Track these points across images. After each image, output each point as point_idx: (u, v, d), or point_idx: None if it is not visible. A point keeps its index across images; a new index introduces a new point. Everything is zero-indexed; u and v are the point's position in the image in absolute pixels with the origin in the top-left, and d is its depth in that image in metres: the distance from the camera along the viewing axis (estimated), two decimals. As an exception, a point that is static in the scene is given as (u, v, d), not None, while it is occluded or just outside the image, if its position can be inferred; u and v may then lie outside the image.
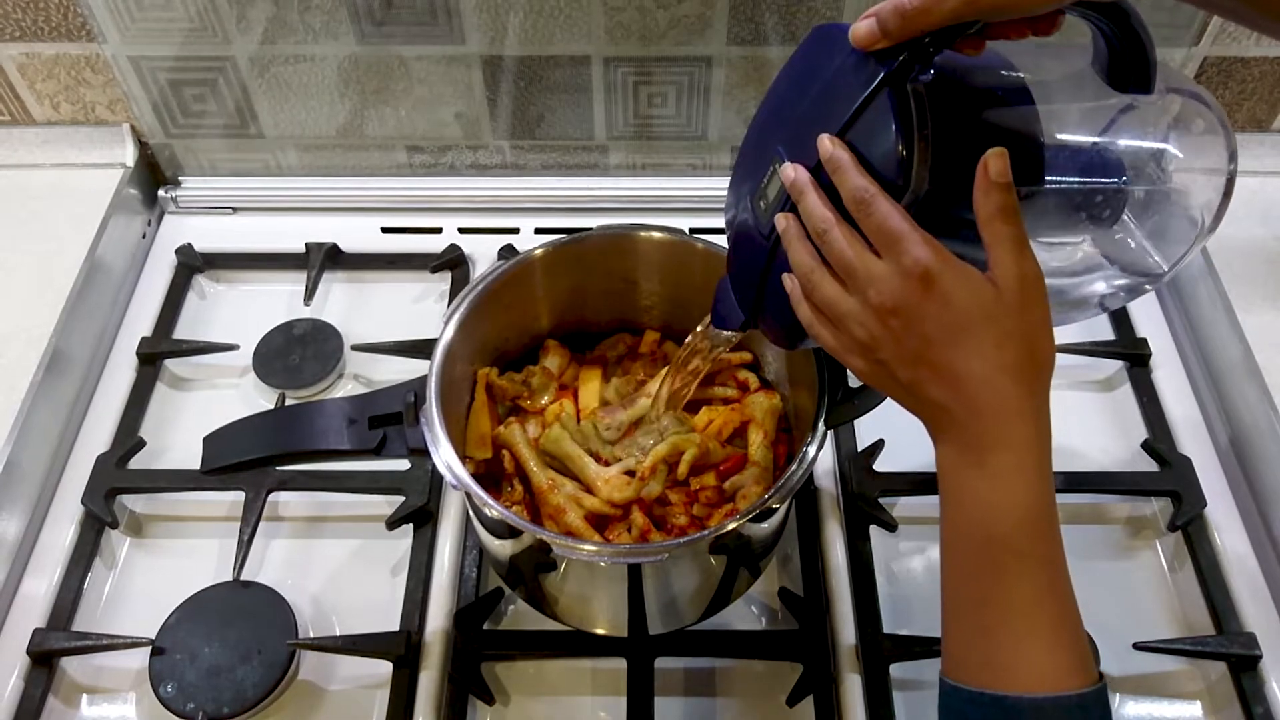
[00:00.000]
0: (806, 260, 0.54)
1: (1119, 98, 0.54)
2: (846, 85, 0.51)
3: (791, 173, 0.53)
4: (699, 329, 0.69)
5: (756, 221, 0.58)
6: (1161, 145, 0.56)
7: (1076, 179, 0.54)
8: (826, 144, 0.51)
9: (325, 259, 1.01)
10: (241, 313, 0.99)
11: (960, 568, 0.52)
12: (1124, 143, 0.55)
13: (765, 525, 0.70)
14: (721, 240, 0.76)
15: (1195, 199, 0.56)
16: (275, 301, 0.99)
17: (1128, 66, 0.52)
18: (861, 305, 0.52)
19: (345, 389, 0.93)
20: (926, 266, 0.49)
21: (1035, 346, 0.50)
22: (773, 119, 0.59)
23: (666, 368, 0.78)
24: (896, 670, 0.74)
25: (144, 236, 1.05)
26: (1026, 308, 0.49)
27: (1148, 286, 0.59)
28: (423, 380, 0.67)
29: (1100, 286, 0.59)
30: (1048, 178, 0.52)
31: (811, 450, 0.65)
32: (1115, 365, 0.94)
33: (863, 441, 0.86)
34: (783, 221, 0.55)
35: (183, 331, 0.97)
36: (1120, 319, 0.96)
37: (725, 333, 0.66)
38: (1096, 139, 0.55)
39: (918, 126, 0.49)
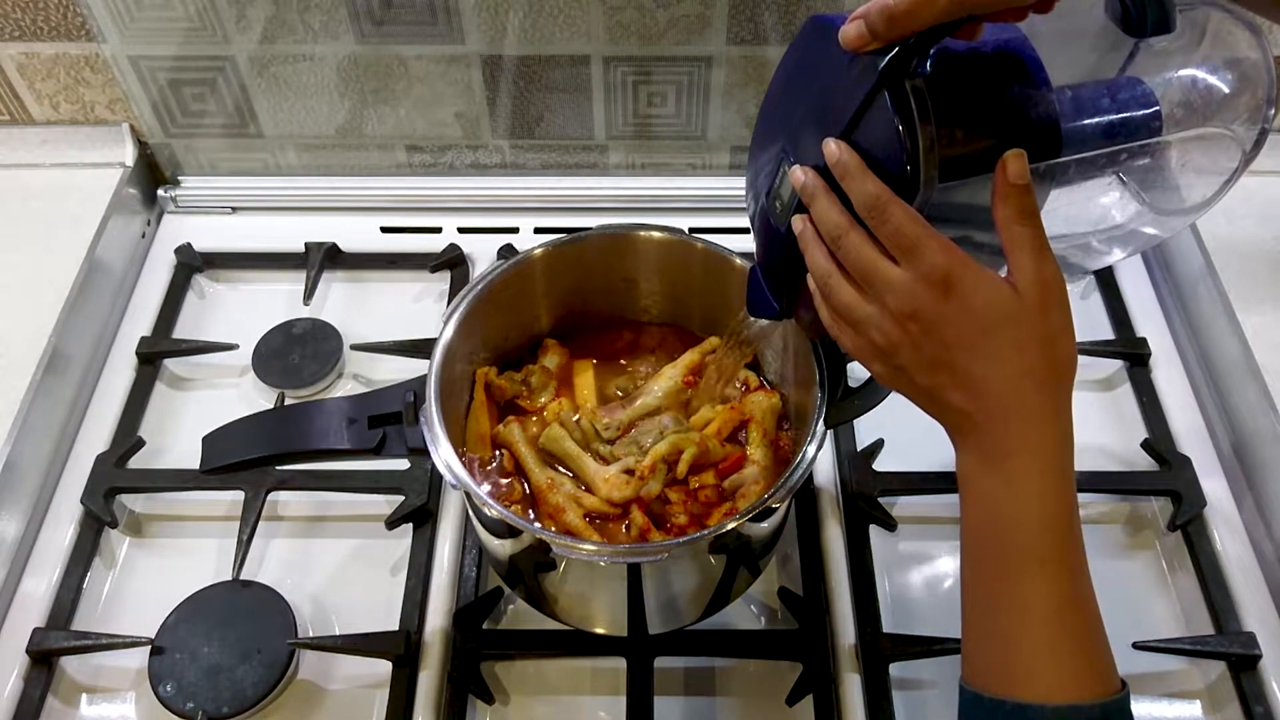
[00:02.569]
0: (823, 265, 0.53)
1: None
2: (844, 86, 0.50)
3: (802, 176, 0.53)
4: (739, 317, 0.69)
5: (776, 220, 0.57)
6: (1191, 73, 0.53)
7: (1099, 136, 0.52)
8: (833, 148, 0.50)
9: (324, 259, 1.01)
10: (241, 312, 0.99)
11: (981, 573, 0.51)
12: (1150, 80, 0.52)
13: (765, 525, 0.70)
14: (721, 240, 0.77)
15: (1234, 121, 0.53)
16: (274, 301, 0.99)
17: (1142, 11, 0.49)
18: (880, 311, 0.51)
19: (345, 389, 0.93)
20: (945, 272, 0.48)
21: (1055, 350, 0.49)
22: (777, 115, 0.58)
23: (668, 366, 0.79)
24: (896, 670, 0.74)
25: (143, 236, 1.05)
26: (1046, 311, 0.49)
27: (1190, 220, 0.57)
28: (422, 380, 0.67)
29: (1139, 226, 0.57)
30: (1070, 135, 0.50)
31: (811, 450, 0.65)
32: (1115, 365, 0.94)
33: (863, 441, 0.86)
34: (799, 224, 0.54)
35: (182, 331, 0.97)
36: (1120, 319, 0.96)
37: (763, 321, 0.66)
38: (1118, 91, 0.53)
39: (920, 123, 0.48)
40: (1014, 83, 0.50)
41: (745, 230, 0.64)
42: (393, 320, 0.97)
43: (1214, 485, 0.84)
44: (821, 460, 0.85)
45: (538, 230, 1.04)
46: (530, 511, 0.73)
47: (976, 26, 0.50)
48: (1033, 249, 0.48)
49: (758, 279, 0.64)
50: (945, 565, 0.81)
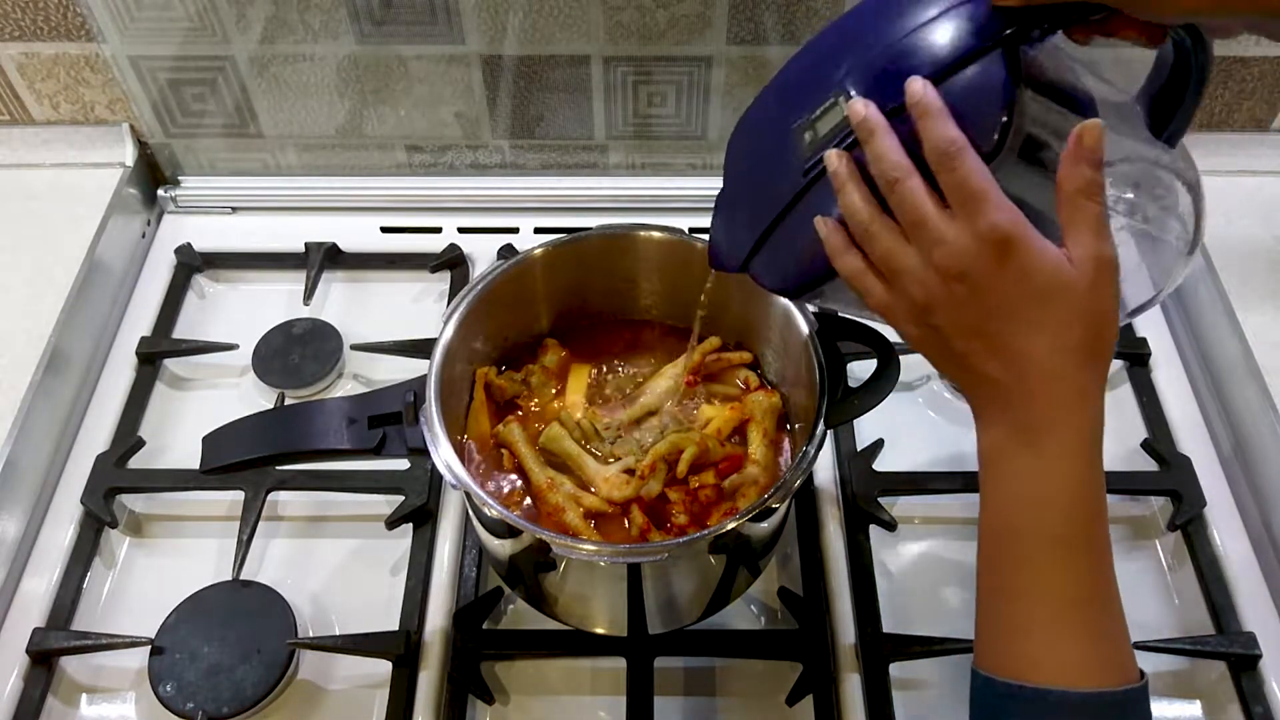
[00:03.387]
0: (864, 208, 0.50)
1: (1132, 141, 0.53)
2: (956, 32, 0.49)
3: (862, 109, 0.49)
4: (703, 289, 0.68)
5: (793, 154, 0.53)
6: (1139, 196, 0.55)
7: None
8: (918, 86, 0.48)
9: (325, 259, 1.01)
10: (241, 312, 0.99)
11: (1002, 555, 0.50)
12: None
13: (765, 525, 0.70)
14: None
15: (1162, 257, 0.55)
16: (275, 301, 0.99)
17: (1171, 115, 0.51)
18: (924, 264, 0.49)
19: (345, 389, 0.93)
20: (1007, 232, 0.46)
21: (1101, 332, 0.48)
22: (843, 47, 0.55)
23: (668, 365, 0.79)
24: (896, 670, 0.74)
25: (143, 236, 1.05)
26: (1099, 290, 0.47)
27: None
28: (422, 380, 0.67)
29: None
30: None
31: (811, 450, 0.65)
32: (1115, 365, 0.94)
33: (863, 441, 0.86)
34: (835, 161, 0.51)
35: (182, 331, 0.97)
36: (1120, 319, 0.96)
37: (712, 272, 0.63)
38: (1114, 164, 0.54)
39: (1024, 89, 0.47)
40: (1081, 102, 0.52)
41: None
42: (393, 320, 0.97)
43: (1214, 485, 0.84)
44: (821, 460, 0.85)
45: (538, 230, 1.04)
46: (531, 511, 0.73)
47: (1092, 35, 0.50)
48: (1095, 224, 0.47)
49: (720, 226, 0.61)
50: (946, 565, 0.81)
